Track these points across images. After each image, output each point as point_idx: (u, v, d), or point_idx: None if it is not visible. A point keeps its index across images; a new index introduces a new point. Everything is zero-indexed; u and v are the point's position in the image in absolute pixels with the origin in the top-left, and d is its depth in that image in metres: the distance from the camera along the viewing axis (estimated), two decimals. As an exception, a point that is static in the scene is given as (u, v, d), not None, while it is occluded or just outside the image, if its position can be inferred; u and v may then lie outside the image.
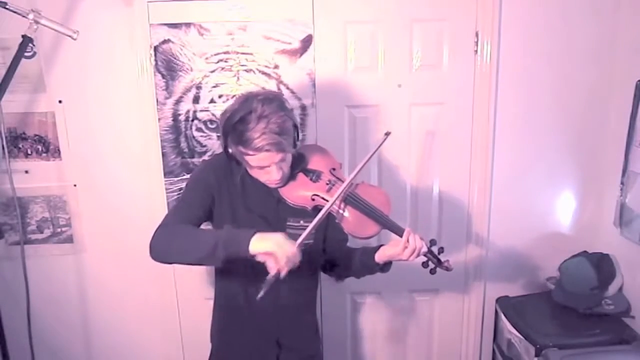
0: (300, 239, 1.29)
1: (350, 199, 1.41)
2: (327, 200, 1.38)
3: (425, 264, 1.41)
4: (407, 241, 1.35)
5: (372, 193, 1.46)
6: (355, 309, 2.25)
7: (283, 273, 1.23)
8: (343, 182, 1.42)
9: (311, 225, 1.33)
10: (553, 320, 1.94)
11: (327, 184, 1.44)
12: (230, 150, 1.38)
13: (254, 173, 1.40)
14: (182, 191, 1.57)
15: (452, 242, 2.11)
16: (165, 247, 1.34)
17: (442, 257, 1.41)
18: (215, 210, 1.46)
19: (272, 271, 1.23)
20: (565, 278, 1.98)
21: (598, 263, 1.93)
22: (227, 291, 1.56)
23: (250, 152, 1.31)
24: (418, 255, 1.37)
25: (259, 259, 1.24)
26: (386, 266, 1.46)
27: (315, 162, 1.49)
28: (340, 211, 1.41)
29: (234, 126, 1.31)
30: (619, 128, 1.91)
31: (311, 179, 1.45)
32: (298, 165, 1.45)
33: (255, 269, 1.26)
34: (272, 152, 1.31)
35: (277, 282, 1.25)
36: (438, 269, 1.41)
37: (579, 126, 2.05)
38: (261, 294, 1.23)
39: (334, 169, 1.49)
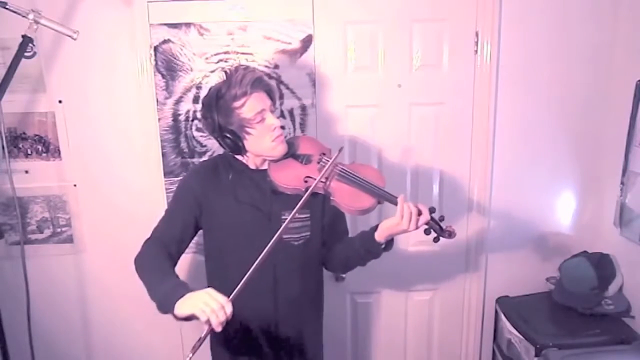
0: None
1: (342, 175, 1.41)
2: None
3: (427, 231, 1.38)
4: (403, 208, 1.32)
5: (363, 169, 1.47)
6: (355, 309, 2.25)
7: (217, 328, 1.12)
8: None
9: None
10: (553, 320, 1.94)
11: (318, 163, 1.45)
12: (229, 130, 1.38)
13: (257, 143, 1.40)
14: (169, 201, 1.57)
15: (452, 242, 2.08)
16: (138, 273, 1.37)
17: (444, 225, 1.39)
18: (204, 216, 1.46)
19: (205, 326, 1.13)
20: (565, 278, 1.98)
21: (598, 263, 1.93)
22: None
23: (242, 100, 1.35)
24: (419, 222, 1.33)
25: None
26: (389, 244, 1.44)
27: (304, 148, 1.51)
28: (333, 184, 1.40)
29: (216, 99, 1.37)
30: (619, 128, 1.91)
31: (301, 162, 1.46)
32: (287, 152, 1.46)
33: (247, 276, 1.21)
34: (260, 91, 1.38)
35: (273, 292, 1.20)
36: (442, 238, 1.39)
37: (579, 126, 2.05)
38: (191, 355, 1.11)
39: (323, 154, 1.50)
